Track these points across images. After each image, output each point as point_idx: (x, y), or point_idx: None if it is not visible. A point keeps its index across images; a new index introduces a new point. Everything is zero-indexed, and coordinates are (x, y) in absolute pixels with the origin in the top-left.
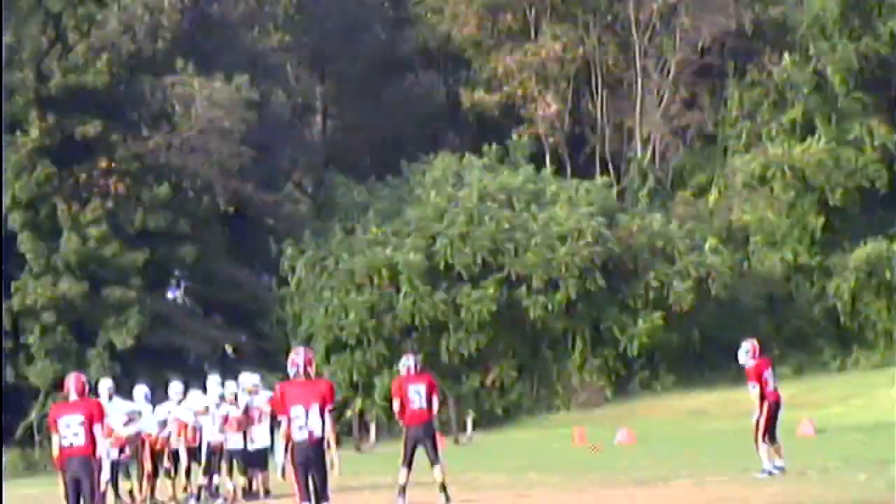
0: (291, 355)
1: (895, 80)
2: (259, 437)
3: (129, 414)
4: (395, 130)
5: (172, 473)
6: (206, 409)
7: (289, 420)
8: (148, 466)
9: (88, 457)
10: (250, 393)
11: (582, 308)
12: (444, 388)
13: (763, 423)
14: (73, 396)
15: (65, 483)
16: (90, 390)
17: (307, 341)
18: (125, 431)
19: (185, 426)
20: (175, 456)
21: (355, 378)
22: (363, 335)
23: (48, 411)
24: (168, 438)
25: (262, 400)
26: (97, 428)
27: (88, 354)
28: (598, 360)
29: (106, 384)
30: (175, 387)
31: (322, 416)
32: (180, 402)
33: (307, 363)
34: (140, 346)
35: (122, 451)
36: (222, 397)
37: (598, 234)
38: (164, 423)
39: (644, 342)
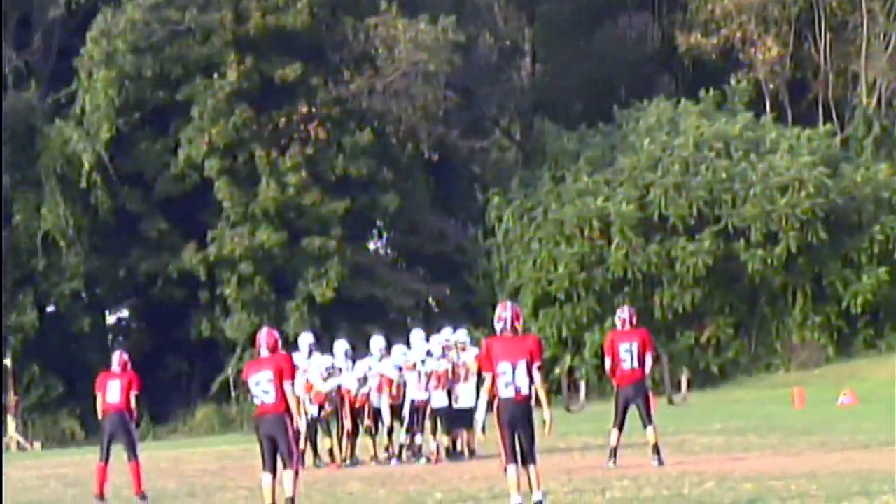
0: (498, 310)
1: None
2: (465, 395)
3: (329, 369)
4: (606, 75)
5: (373, 432)
6: (414, 364)
7: (494, 377)
8: (348, 424)
9: (282, 414)
10: (457, 349)
11: (802, 262)
12: (657, 345)
13: None
14: (264, 352)
15: (260, 441)
16: (287, 345)
17: (514, 295)
18: (325, 387)
19: (390, 382)
20: (377, 414)
21: (564, 334)
22: (572, 289)
23: (242, 367)
24: (368, 395)
25: (469, 356)
26: (287, 385)
27: (287, 307)
28: (819, 317)
29: (306, 339)
30: (377, 341)
31: (529, 373)
32: (382, 357)
33: (514, 318)
34: (340, 298)
35: (321, 408)
36: (429, 353)
37: (821, 184)
38: (364, 380)
39: (868, 299)
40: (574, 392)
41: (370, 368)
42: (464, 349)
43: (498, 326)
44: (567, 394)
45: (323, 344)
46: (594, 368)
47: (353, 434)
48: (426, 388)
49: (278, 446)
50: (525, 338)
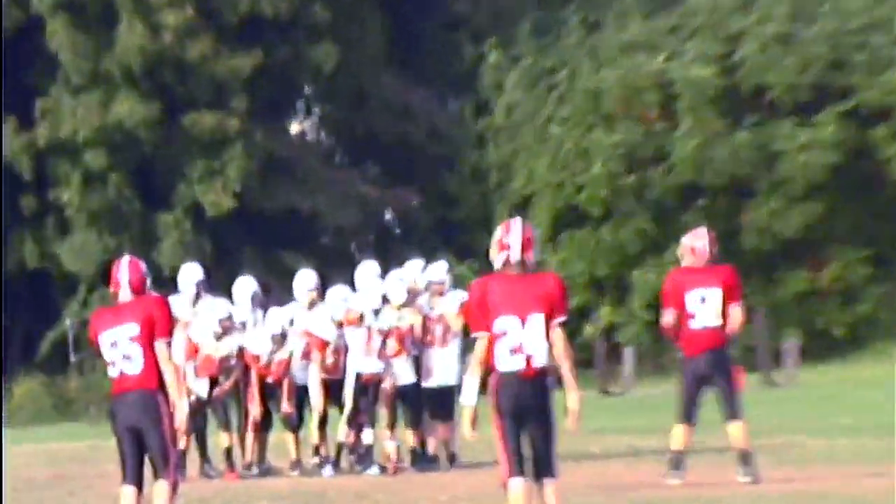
0: (497, 232)
1: None
2: (441, 367)
3: (225, 322)
4: None
5: (295, 423)
6: (361, 317)
7: (491, 339)
8: (255, 410)
9: (152, 393)
10: (431, 294)
11: None
12: (748, 292)
13: None
14: (125, 294)
15: (118, 436)
16: (160, 283)
17: (522, 210)
18: (218, 351)
19: (322, 345)
20: (301, 395)
21: (600, 272)
22: (613, 200)
23: (88, 318)
24: (289, 365)
25: (450, 306)
26: (161, 346)
27: (160, 223)
28: None
29: (191, 274)
30: (304, 279)
31: (547, 333)
32: (311, 304)
33: (524, 245)
34: (244, 210)
35: (213, 383)
36: (385, 299)
37: None
38: (281, 339)
39: None
40: (614, 364)
41: (291, 322)
42: (441, 293)
43: (498, 259)
44: (603, 367)
45: (218, 282)
46: (646, 327)
47: (264, 425)
48: (380, 356)
49: (146, 444)
50: (540, 277)
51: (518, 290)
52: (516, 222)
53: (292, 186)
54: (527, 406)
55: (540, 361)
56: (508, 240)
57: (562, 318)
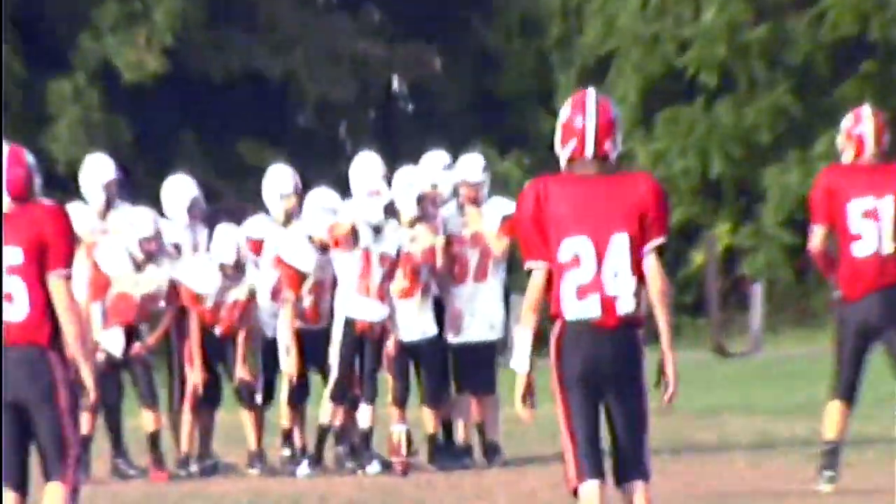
0: (564, 111)
1: None
2: (479, 312)
3: (151, 242)
4: None
5: (255, 397)
6: (354, 234)
7: (553, 270)
8: (196, 377)
9: (41, 351)
10: (461, 199)
11: None
12: None
13: None
14: (2, 203)
15: None
16: (54, 183)
17: (595, 76)
18: (139, 286)
19: (295, 278)
20: (266, 354)
21: (715, 171)
22: (733, 64)
23: None
24: (248, 307)
25: (489, 219)
26: (56, 279)
27: (50, 91)
28: None
29: (101, 169)
30: (277, 180)
31: (636, 261)
32: (290, 217)
33: (602, 130)
34: (179, 71)
35: (131, 335)
36: (391, 210)
37: None
38: (236, 268)
39: None
40: (735, 311)
41: (256, 239)
42: (475, 202)
43: (563, 152)
44: (719, 314)
45: (140, 183)
46: (783, 253)
47: (208, 400)
48: (382, 296)
49: (32, 427)
50: (627, 180)
51: (593, 198)
52: (590, 97)
53: (252, 40)
54: (605, 373)
55: (626, 306)
56: (578, 122)
57: (659, 241)
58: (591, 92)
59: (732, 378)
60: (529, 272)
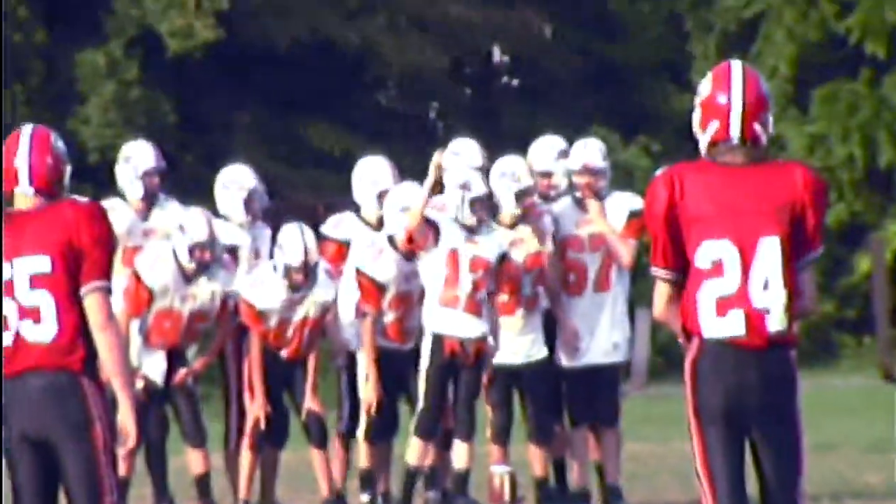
0: (704, 86)
1: None
2: (599, 329)
3: (203, 247)
4: None
5: (319, 430)
6: (434, 230)
7: (688, 277)
8: (256, 409)
9: (72, 377)
10: (585, 189)
11: None
12: None
13: None
14: (23, 198)
15: (9, 452)
16: (84, 174)
17: (741, 43)
18: (188, 300)
19: (375, 291)
20: (342, 376)
21: (883, 157)
22: None
23: None
24: (319, 325)
25: (610, 217)
26: (93, 295)
27: (80, 64)
28: None
29: (141, 158)
30: (368, 172)
31: (790, 268)
32: (382, 219)
33: (752, 109)
34: (234, 41)
35: (175, 359)
36: (484, 204)
37: None
38: (305, 277)
39: None
40: None
41: (340, 242)
42: (594, 195)
43: (703, 136)
44: (889, 333)
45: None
46: None
47: (272, 437)
48: (472, 309)
49: (60, 467)
50: (780, 171)
51: (739, 193)
52: (736, 70)
53: (323, 3)
54: (752, 404)
55: (776, 323)
56: (722, 100)
57: (817, 254)
58: (736, 64)
59: None
60: (656, 282)
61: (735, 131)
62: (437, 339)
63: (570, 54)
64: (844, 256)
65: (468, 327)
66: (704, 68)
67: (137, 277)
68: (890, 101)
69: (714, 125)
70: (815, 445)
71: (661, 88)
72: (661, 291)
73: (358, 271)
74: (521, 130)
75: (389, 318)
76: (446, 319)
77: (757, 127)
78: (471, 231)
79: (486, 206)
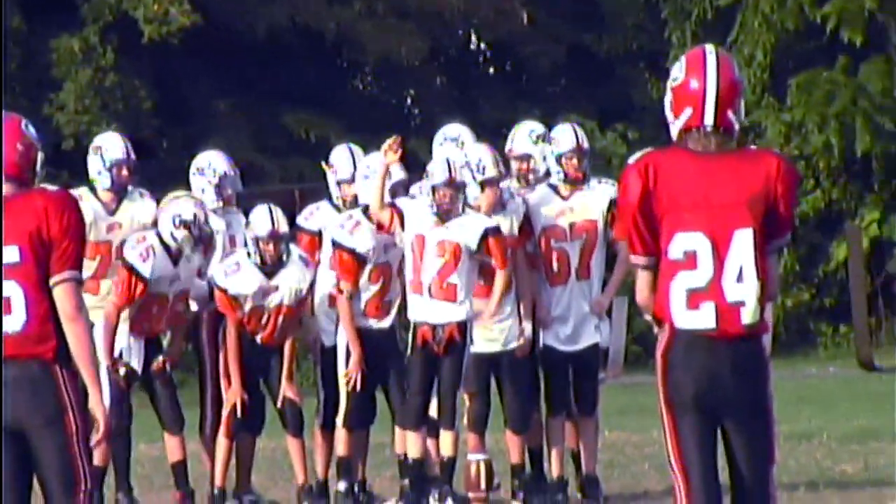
0: (677, 72)
1: None
2: (574, 315)
3: (181, 230)
4: None
5: (292, 420)
6: (399, 213)
7: (661, 266)
8: (232, 396)
9: (45, 367)
10: (567, 169)
11: None
12: None
13: None
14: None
15: None
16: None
17: (716, 27)
18: (162, 285)
19: (354, 265)
20: (320, 369)
21: (860, 145)
22: None
23: None
24: (298, 311)
25: (588, 205)
26: (64, 285)
27: (53, 49)
28: None
29: (109, 148)
30: (340, 158)
31: (762, 260)
32: (343, 197)
33: (725, 96)
34: (212, 27)
35: (151, 346)
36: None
37: None
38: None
39: None
40: (885, 318)
41: (312, 232)
42: (575, 180)
43: (677, 120)
44: (866, 321)
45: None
46: None
47: (248, 424)
48: (443, 294)
49: (35, 458)
50: (753, 158)
51: (713, 182)
52: (710, 55)
53: None
54: (724, 393)
55: (749, 316)
56: (695, 86)
57: (783, 241)
58: (710, 49)
59: (882, 397)
60: (630, 267)
61: (709, 118)
62: (413, 327)
63: (547, 42)
64: (821, 244)
65: (437, 313)
66: (680, 55)
67: (130, 269)
68: (867, 89)
69: (687, 111)
70: (792, 434)
71: (638, 76)
72: (643, 278)
73: (336, 246)
74: (498, 117)
75: (370, 292)
76: (416, 306)
77: (730, 114)
78: (442, 217)
79: (449, 194)
